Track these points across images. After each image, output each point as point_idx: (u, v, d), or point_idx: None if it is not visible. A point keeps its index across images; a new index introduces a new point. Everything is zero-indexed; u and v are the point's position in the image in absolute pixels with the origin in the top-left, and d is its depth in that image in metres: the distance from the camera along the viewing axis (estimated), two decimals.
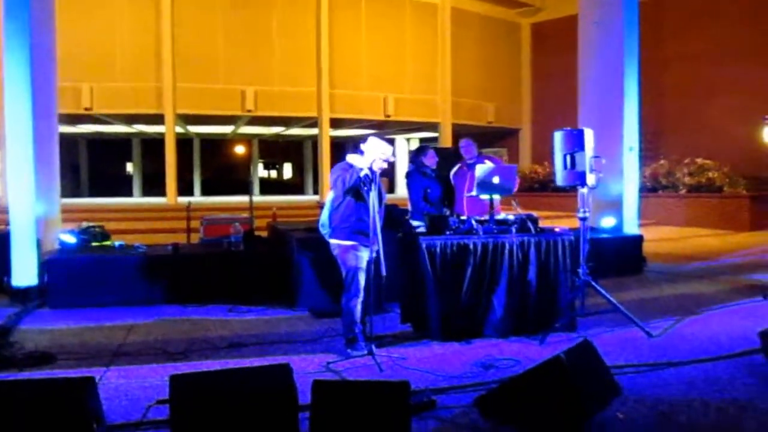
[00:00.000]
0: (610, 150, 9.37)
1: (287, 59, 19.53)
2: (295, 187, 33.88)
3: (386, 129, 24.00)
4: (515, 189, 5.83)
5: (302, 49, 19.71)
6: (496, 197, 5.93)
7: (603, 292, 5.80)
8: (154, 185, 24.94)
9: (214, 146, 31.31)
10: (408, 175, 7.01)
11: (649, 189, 16.61)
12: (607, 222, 9.45)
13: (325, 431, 3.09)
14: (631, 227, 9.66)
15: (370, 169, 4.93)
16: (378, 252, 4.88)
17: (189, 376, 3.22)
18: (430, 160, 6.85)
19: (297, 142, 31.32)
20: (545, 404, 3.60)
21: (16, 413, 2.92)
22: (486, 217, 5.71)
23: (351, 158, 5.14)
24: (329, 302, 6.27)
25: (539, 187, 19.46)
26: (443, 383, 4.41)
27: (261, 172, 36.24)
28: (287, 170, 39.39)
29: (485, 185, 5.64)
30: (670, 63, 18.83)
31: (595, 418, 3.67)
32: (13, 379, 4.19)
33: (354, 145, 5.83)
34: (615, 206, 9.65)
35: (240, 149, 32.08)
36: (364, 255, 5.03)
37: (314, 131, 21.83)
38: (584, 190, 5.76)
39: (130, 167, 30.49)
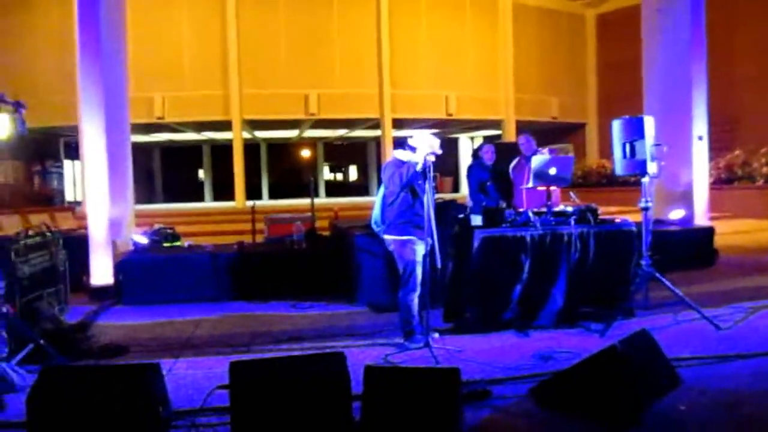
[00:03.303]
0: (678, 139, 9.10)
1: (348, 61, 19.78)
2: (359, 188, 34.17)
3: (449, 128, 23.95)
4: (570, 180, 5.75)
5: (363, 50, 19.93)
6: (555, 189, 5.86)
7: (667, 283, 5.64)
8: (224, 190, 25.70)
9: (281, 151, 31.96)
10: (468, 170, 7.02)
11: (723, 180, 15.95)
12: (676, 214, 9.15)
13: (377, 417, 3.16)
14: (701, 219, 9.32)
15: (424, 163, 4.98)
16: (432, 244, 4.91)
17: (248, 362, 3.35)
18: (487, 155, 6.85)
19: (361, 144, 31.63)
20: (600, 394, 3.56)
21: (87, 396, 3.11)
22: (543, 209, 5.66)
23: (399, 154, 5.20)
24: (387, 297, 6.34)
25: (607, 182, 18.98)
26: (499, 374, 4.41)
27: (327, 174, 36.71)
28: (352, 172, 39.77)
29: (541, 176, 5.60)
30: (741, 51, 18.02)
31: (654, 409, 3.61)
32: (84, 365, 4.44)
33: (398, 142, 5.87)
34: (684, 198, 9.34)
35: (305, 153, 32.64)
36: (421, 249, 5.07)
37: (377, 132, 22.01)
38: (645, 180, 5.62)
39: (201, 174, 31.54)
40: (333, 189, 33.59)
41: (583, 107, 23.95)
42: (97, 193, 7.77)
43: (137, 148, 16.90)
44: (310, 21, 19.46)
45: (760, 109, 17.59)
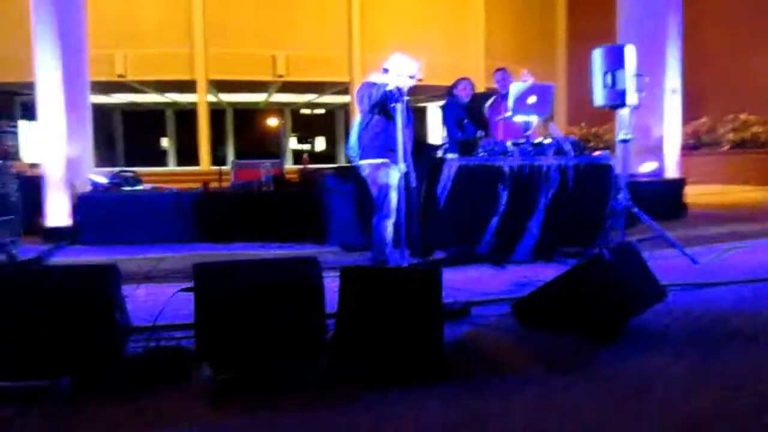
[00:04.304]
0: (651, 93, 9.00)
1: (318, 23, 19.31)
2: (327, 158, 33.81)
3: (418, 94, 23.67)
4: (551, 110, 5.59)
5: (333, 12, 19.47)
6: (533, 120, 5.69)
7: (645, 217, 5.55)
8: (188, 156, 25.10)
9: (248, 118, 31.34)
10: (444, 108, 6.81)
11: (690, 147, 16.06)
12: (647, 167, 9.11)
13: (354, 318, 2.95)
14: (672, 172, 9.30)
15: (397, 88, 4.76)
16: (407, 165, 4.70)
17: (213, 264, 3.10)
18: (463, 92, 6.63)
19: (329, 114, 31.21)
20: (585, 305, 3.42)
21: (34, 297, 2.84)
22: (522, 140, 5.49)
23: (374, 77, 5.00)
24: (359, 238, 6.15)
25: None
26: (478, 298, 4.25)
27: (293, 144, 36.24)
28: (320, 143, 39.33)
29: (520, 105, 5.42)
30: (711, 20, 18.10)
31: (637, 322, 3.49)
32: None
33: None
34: (656, 151, 9.30)
35: (273, 121, 32.08)
36: (395, 173, 4.87)
37: (346, 99, 21.63)
38: (625, 111, 5.49)
39: (165, 142, 30.75)
40: (300, 159, 33.12)
41: (552, 76, 23.86)
42: (53, 127, 7.37)
43: (97, 110, 16.28)
44: None
45: (727, 78, 17.74)
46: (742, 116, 15.71)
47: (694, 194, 11.30)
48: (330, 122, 32.62)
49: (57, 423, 2.43)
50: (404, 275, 3.11)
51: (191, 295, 2.92)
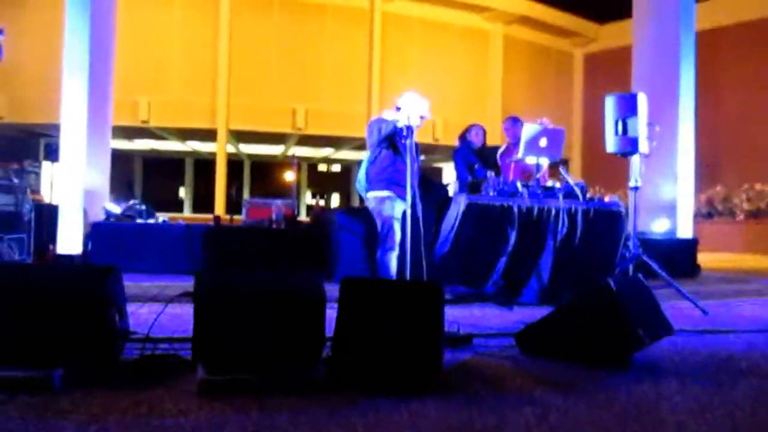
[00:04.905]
0: (664, 152, 9.07)
1: (339, 78, 19.81)
2: None
3: (435, 154, 23.96)
4: (561, 153, 5.63)
5: (354, 68, 20.00)
6: (544, 164, 5.73)
7: (655, 266, 5.49)
8: (204, 204, 25.38)
9: (264, 170, 31.80)
10: (455, 152, 6.87)
11: (704, 215, 16.02)
12: (660, 225, 9.07)
13: (352, 329, 2.92)
14: (685, 231, 9.24)
15: (408, 126, 4.84)
16: (414, 199, 4.69)
17: (215, 272, 3.11)
18: (476, 137, 6.71)
19: (345, 171, 31.57)
20: (590, 332, 3.36)
21: (39, 291, 2.84)
22: (532, 182, 5.52)
23: (385, 114, 5.11)
24: (367, 273, 6.13)
25: None
26: (481, 332, 4.19)
27: (308, 200, 36.56)
28: (335, 200, 39.66)
29: (531, 147, 5.47)
30: (724, 90, 18.37)
31: (643, 356, 3.41)
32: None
33: None
34: (668, 210, 9.28)
35: (289, 175, 32.48)
36: (399, 206, 4.92)
37: (363, 155, 21.91)
38: (636, 158, 5.52)
39: (182, 191, 31.17)
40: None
41: (568, 143, 24.08)
42: (73, 162, 7.54)
43: (119, 155, 16.63)
44: (302, 35, 19.53)
45: (741, 147, 17.85)
46: (757, 186, 15.69)
47: (707, 260, 11.20)
48: (346, 179, 32.97)
49: (43, 410, 2.40)
50: (405, 287, 3.09)
51: (191, 312, 2.90)
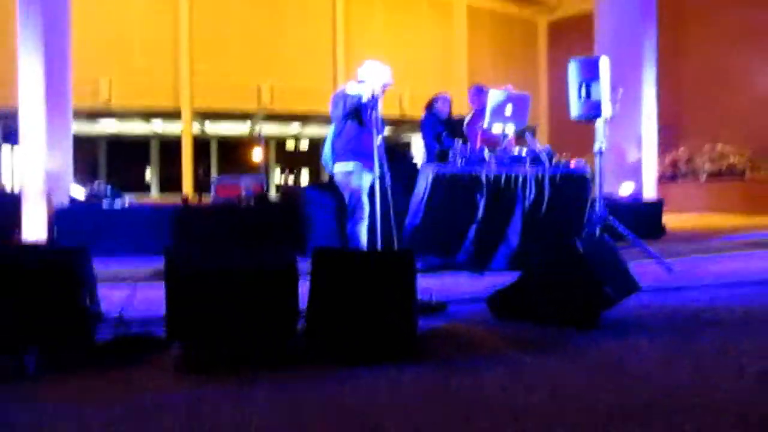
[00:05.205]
0: (628, 116, 9.18)
1: (303, 54, 19.56)
2: None
3: (403, 126, 23.92)
4: (527, 120, 5.68)
5: (318, 44, 19.77)
6: (510, 131, 5.76)
7: (621, 227, 5.60)
8: (171, 185, 25.05)
9: (232, 149, 31.42)
10: (422, 122, 6.88)
11: (668, 177, 16.30)
12: (625, 188, 9.22)
13: (325, 300, 2.94)
14: (650, 193, 9.42)
15: (372, 96, 4.82)
16: (382, 169, 4.68)
17: (183, 249, 3.09)
18: (442, 107, 6.71)
19: (314, 147, 31.35)
20: (559, 293, 3.43)
21: (7, 274, 2.80)
22: (499, 150, 5.56)
23: (349, 87, 5.08)
24: (338, 246, 6.15)
25: None
26: (454, 298, 4.25)
27: (278, 177, 36.29)
28: (304, 176, 39.40)
29: (497, 115, 5.50)
30: (687, 50, 18.59)
31: (610, 314, 3.50)
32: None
33: None
34: (633, 173, 9.44)
35: (258, 153, 32.15)
36: (367, 178, 4.93)
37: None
38: (600, 122, 5.58)
39: (148, 173, 30.68)
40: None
41: (534, 111, 24.19)
42: (33, 146, 7.35)
43: (82, 139, 16.26)
44: (265, 10, 19.21)
45: (704, 109, 18.14)
46: (719, 146, 16.01)
47: (673, 221, 11.44)
48: (314, 155, 32.72)
49: (20, 395, 2.38)
50: (376, 257, 3.12)
51: (162, 294, 2.88)
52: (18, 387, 2.46)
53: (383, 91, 4.92)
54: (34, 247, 3.20)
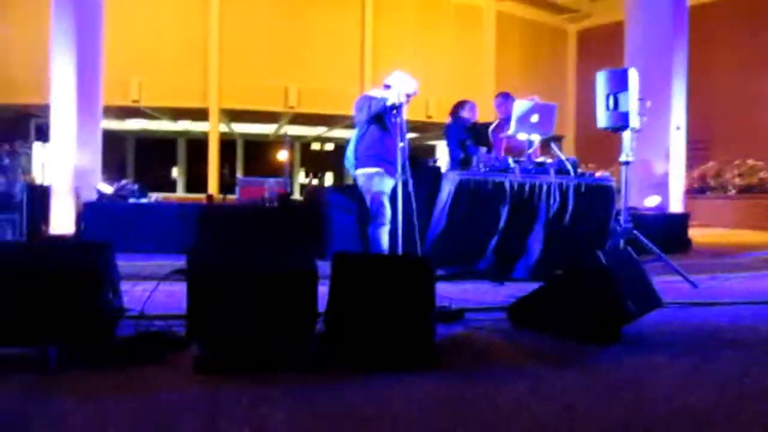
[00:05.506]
0: (656, 129, 9.08)
1: (331, 58, 19.66)
2: None
3: (428, 132, 23.91)
4: (553, 129, 5.64)
5: (346, 47, 19.86)
6: (535, 140, 5.74)
7: (645, 241, 5.54)
8: (197, 185, 25.32)
9: (257, 150, 31.67)
10: (447, 129, 6.87)
11: (696, 190, 16.08)
12: (651, 201, 9.11)
13: (344, 304, 2.95)
14: (676, 206, 9.30)
15: (398, 104, 4.85)
16: (405, 174, 4.69)
17: (206, 252, 3.12)
18: (470, 113, 6.70)
19: (339, 149, 31.47)
20: (580, 306, 3.40)
21: (32, 268, 2.85)
22: (523, 157, 5.53)
23: (373, 92, 5.12)
24: (360, 250, 6.16)
25: None
26: (473, 306, 4.23)
27: (302, 179, 36.48)
28: (328, 179, 39.57)
29: (523, 123, 5.47)
30: (718, 67, 18.34)
31: (633, 328, 3.46)
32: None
33: None
34: (660, 186, 9.33)
35: (283, 154, 32.36)
36: (389, 182, 4.95)
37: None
38: (627, 133, 5.53)
39: (175, 172, 31.05)
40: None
41: (561, 119, 24.00)
42: (64, 142, 7.51)
43: (110, 136, 16.51)
44: (294, 13, 19.33)
45: (733, 124, 17.89)
46: (749, 161, 15.76)
47: (699, 235, 11.28)
48: (339, 157, 32.82)
49: (41, 388, 2.42)
50: (396, 262, 3.12)
51: (184, 290, 2.90)
52: (38, 380, 2.50)
53: (408, 100, 4.93)
54: (59, 241, 3.25)
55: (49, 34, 8.05)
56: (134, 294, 4.28)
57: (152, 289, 3.74)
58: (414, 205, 4.79)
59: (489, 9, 21.83)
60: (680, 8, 9.81)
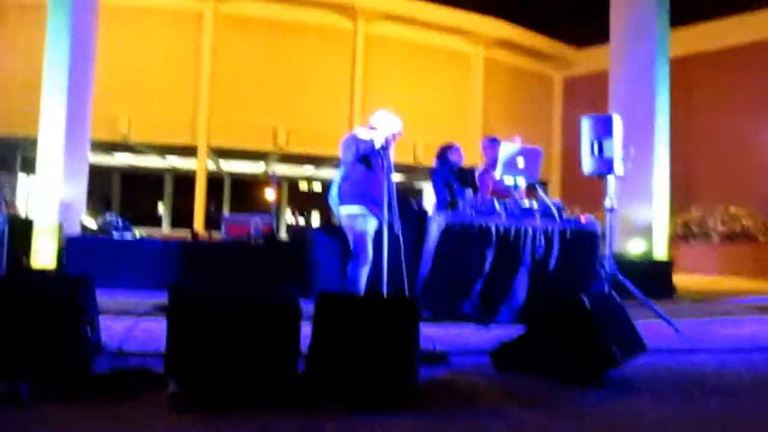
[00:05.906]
0: (640, 175, 9.20)
1: (320, 99, 19.88)
2: None
3: (415, 175, 24.07)
4: (538, 174, 5.69)
5: (336, 89, 20.10)
6: (521, 183, 5.78)
7: (629, 285, 5.54)
8: (183, 221, 25.21)
9: (245, 187, 31.66)
10: (433, 171, 6.90)
11: (680, 237, 16.23)
12: (636, 246, 9.17)
13: (327, 344, 2.91)
14: (660, 252, 9.36)
15: (384, 142, 4.90)
16: (391, 213, 4.70)
17: (189, 290, 3.07)
18: (455, 155, 6.75)
19: (326, 189, 31.52)
20: (564, 349, 3.38)
21: (8, 301, 2.80)
22: (509, 201, 5.56)
23: (359, 132, 5.16)
24: (342, 290, 6.13)
25: None
26: (457, 349, 4.20)
27: (289, 218, 36.45)
28: (315, 218, 39.56)
29: (509, 167, 5.52)
30: (699, 115, 18.74)
31: (616, 372, 3.43)
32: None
33: None
34: (644, 232, 9.41)
35: (270, 193, 32.38)
36: (373, 223, 4.95)
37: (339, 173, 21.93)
38: (611, 179, 5.59)
39: (161, 207, 30.94)
40: None
41: (547, 165, 24.38)
42: (49, 174, 7.48)
43: (97, 170, 16.51)
44: (284, 54, 19.60)
45: (715, 169, 18.20)
46: (732, 208, 15.96)
47: (683, 281, 11.33)
48: (326, 197, 32.89)
49: (8, 424, 2.35)
50: (380, 302, 3.09)
51: (164, 327, 2.86)
52: (8, 415, 2.43)
53: (394, 139, 4.98)
54: (39, 274, 3.20)
55: (40, 67, 8.09)
56: (113, 330, 4.21)
57: (131, 325, 3.68)
58: (402, 246, 4.79)
59: (477, 55, 22.27)
60: (663, 58, 10.07)
